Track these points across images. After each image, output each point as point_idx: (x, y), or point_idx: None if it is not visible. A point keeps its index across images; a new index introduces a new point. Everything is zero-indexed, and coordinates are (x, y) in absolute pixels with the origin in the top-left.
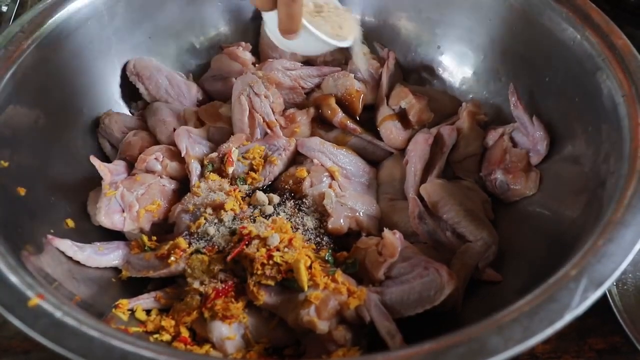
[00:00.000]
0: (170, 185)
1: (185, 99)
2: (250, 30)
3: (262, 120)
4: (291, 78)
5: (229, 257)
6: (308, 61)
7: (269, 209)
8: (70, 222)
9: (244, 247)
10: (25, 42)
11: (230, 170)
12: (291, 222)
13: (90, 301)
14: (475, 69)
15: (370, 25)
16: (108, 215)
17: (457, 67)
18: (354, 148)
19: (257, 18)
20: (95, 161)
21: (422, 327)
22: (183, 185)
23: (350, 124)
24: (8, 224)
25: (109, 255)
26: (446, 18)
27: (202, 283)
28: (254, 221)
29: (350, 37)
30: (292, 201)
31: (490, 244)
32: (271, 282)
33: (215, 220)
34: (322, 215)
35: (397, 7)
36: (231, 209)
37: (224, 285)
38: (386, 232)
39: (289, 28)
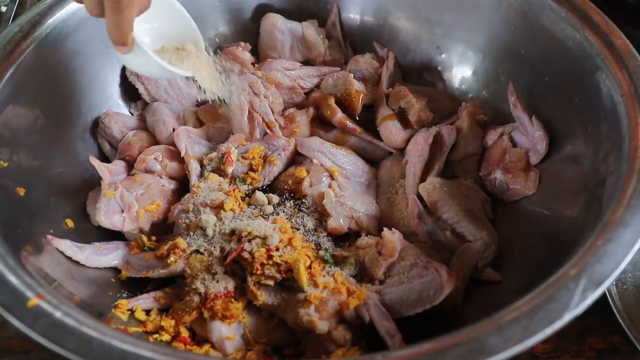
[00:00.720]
0: (169, 185)
1: (185, 99)
2: (249, 30)
3: (261, 120)
4: (290, 78)
5: (228, 258)
6: (307, 61)
7: (269, 209)
8: (69, 222)
9: (244, 247)
10: (25, 42)
11: (229, 170)
12: (291, 222)
13: (89, 301)
14: (475, 69)
15: (369, 25)
16: (107, 215)
17: (456, 67)
18: (354, 148)
19: (257, 18)
20: (94, 161)
21: (422, 327)
22: (182, 185)
23: (349, 124)
24: (7, 224)
25: (109, 256)
26: (446, 18)
27: (201, 283)
28: None
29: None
30: (291, 201)
31: (490, 244)
32: (271, 282)
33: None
34: (321, 215)
35: (397, 6)
36: (231, 209)
37: None
38: (386, 232)
39: (116, 38)
